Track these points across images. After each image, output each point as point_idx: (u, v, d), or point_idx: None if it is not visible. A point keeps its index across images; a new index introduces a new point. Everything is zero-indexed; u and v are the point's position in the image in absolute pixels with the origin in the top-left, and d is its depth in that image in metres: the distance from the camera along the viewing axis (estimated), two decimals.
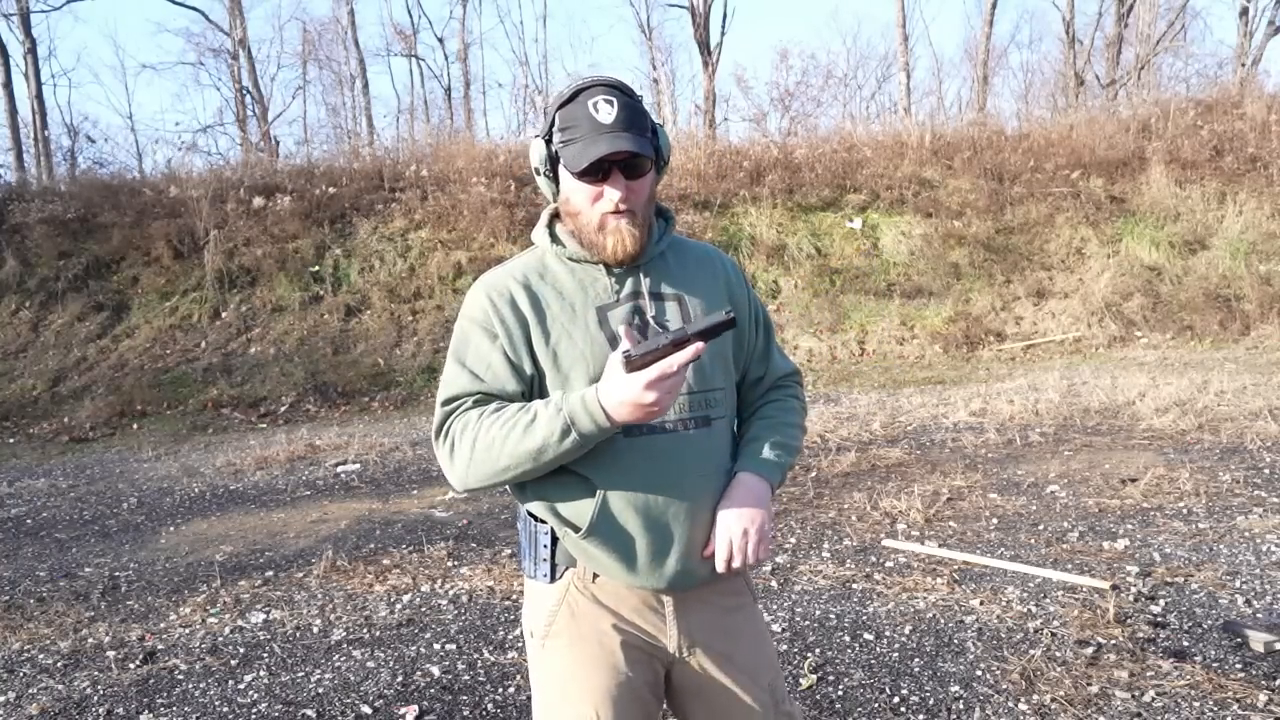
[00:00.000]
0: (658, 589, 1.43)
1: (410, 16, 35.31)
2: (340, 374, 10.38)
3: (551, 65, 43.55)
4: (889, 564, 4.07)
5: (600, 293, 1.44)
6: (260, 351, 10.83)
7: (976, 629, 3.31)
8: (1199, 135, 13.87)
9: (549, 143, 1.41)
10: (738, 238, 12.87)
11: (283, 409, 9.70)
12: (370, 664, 3.29)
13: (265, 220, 12.34)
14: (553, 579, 1.46)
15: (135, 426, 9.25)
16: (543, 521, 1.44)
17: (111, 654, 3.46)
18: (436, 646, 3.42)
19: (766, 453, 1.49)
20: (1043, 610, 3.44)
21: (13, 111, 19.12)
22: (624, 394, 1.23)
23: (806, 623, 3.45)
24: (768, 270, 12.59)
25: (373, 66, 51.12)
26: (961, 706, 2.76)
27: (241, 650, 3.48)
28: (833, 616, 3.50)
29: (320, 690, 3.10)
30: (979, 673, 2.96)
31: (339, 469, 6.88)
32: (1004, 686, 2.86)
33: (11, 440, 8.96)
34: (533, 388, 1.42)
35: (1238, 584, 3.61)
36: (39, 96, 19.95)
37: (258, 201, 12.49)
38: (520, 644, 3.38)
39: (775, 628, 3.42)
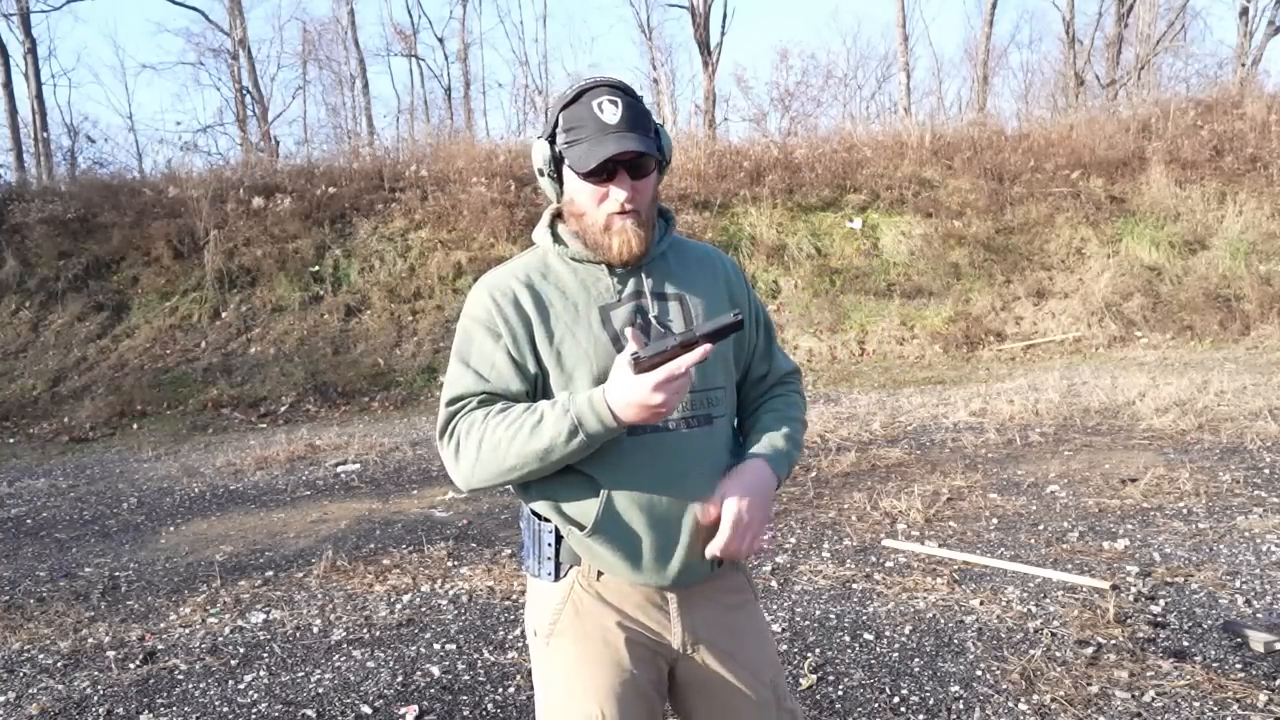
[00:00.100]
0: (662, 586, 1.44)
1: (410, 16, 35.35)
2: (340, 374, 10.38)
3: (551, 65, 43.59)
4: (889, 564, 4.07)
5: (603, 292, 1.44)
6: (260, 351, 10.83)
7: (976, 629, 3.31)
8: (1199, 135, 13.87)
9: (553, 143, 1.41)
10: (738, 238, 12.87)
11: (283, 409, 9.70)
12: (370, 664, 3.29)
13: (265, 220, 12.34)
14: (557, 577, 1.46)
15: (135, 426, 9.25)
16: (546, 520, 1.45)
17: (111, 654, 3.46)
18: (436, 646, 3.42)
19: (778, 443, 1.50)
20: (1043, 610, 3.44)
21: (13, 111, 19.14)
22: (632, 395, 1.23)
23: (806, 623, 3.45)
24: (768, 270, 12.59)
25: (373, 66, 51.15)
26: (961, 706, 2.76)
27: (241, 650, 3.48)
28: (833, 616, 3.50)
29: (320, 690, 3.10)
30: (979, 673, 2.96)
31: (339, 469, 6.88)
32: (1004, 686, 2.86)
33: (11, 440, 8.96)
34: (536, 387, 1.42)
35: (1238, 584, 3.61)
36: (39, 96, 19.96)
37: (258, 201, 12.49)
38: (520, 644, 3.39)
39: (775, 628, 3.42)
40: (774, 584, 3.88)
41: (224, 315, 11.37)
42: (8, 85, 19.24)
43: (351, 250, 12.29)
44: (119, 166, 22.30)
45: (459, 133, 17.45)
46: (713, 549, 1.39)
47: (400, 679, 3.15)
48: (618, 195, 1.38)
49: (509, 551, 4.55)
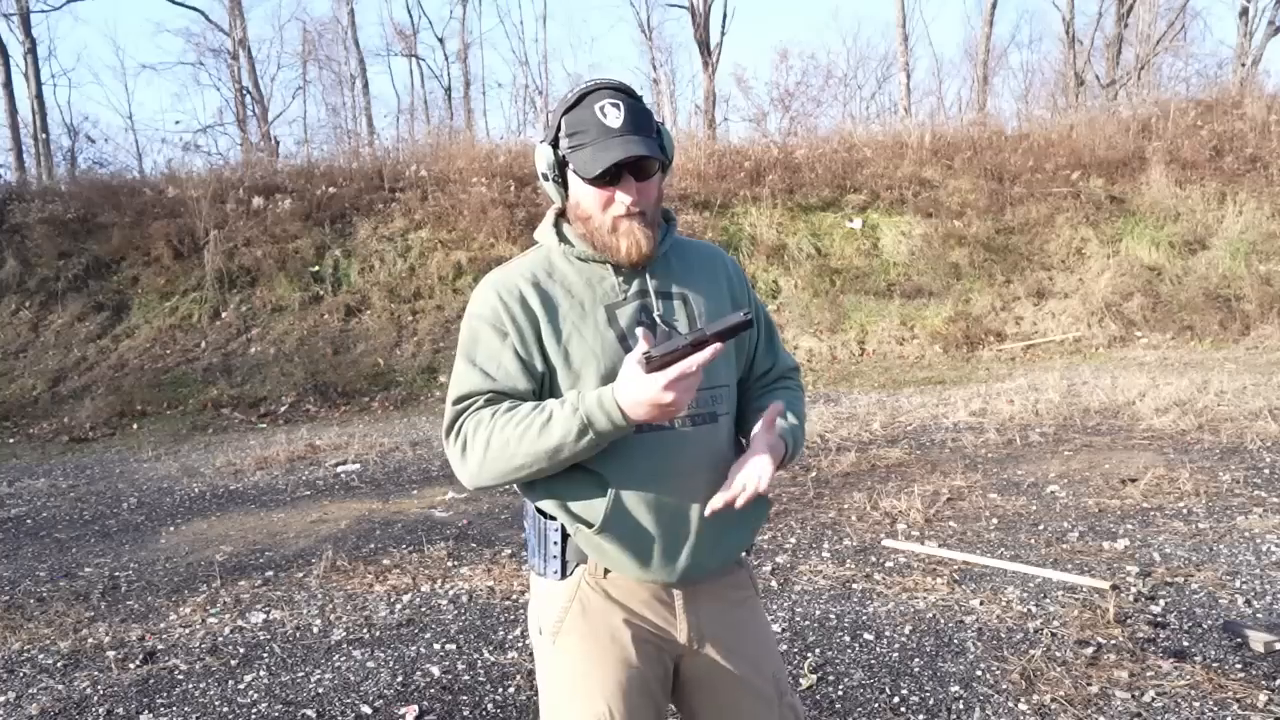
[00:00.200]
0: (668, 583, 1.45)
1: (410, 16, 35.40)
2: (340, 374, 10.38)
3: (551, 65, 43.63)
4: (889, 564, 4.07)
5: (608, 291, 1.45)
6: (260, 351, 10.83)
7: (976, 629, 3.31)
8: (1199, 135, 13.87)
9: (556, 147, 1.42)
10: (738, 238, 12.87)
11: (283, 409, 9.70)
12: (370, 664, 3.29)
13: (265, 220, 12.34)
14: (563, 576, 1.46)
15: (135, 426, 9.25)
16: (552, 518, 1.45)
17: (111, 654, 3.46)
18: (436, 646, 3.42)
19: (790, 419, 1.53)
20: (1043, 610, 3.44)
21: (13, 111, 19.14)
22: (643, 394, 1.24)
23: (806, 623, 3.45)
24: (768, 270, 12.59)
25: (373, 66, 51.22)
26: (961, 706, 2.76)
27: (241, 650, 3.48)
28: (833, 616, 3.50)
29: (320, 690, 3.10)
30: (979, 673, 2.96)
31: (339, 469, 6.88)
32: (1004, 686, 2.86)
33: (11, 440, 8.96)
34: (543, 386, 1.43)
35: (1238, 584, 3.61)
36: (39, 96, 19.95)
37: (258, 201, 12.49)
38: (520, 644, 3.39)
39: (775, 628, 3.42)
40: (774, 584, 3.88)
41: (224, 315, 11.37)
42: (8, 85, 19.24)
43: (351, 250, 12.29)
44: (119, 166, 22.28)
45: (459, 133, 17.45)
46: (715, 502, 1.39)
47: (400, 679, 3.15)
48: (623, 199, 1.38)
49: (509, 551, 4.55)
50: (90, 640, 3.63)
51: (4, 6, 20.27)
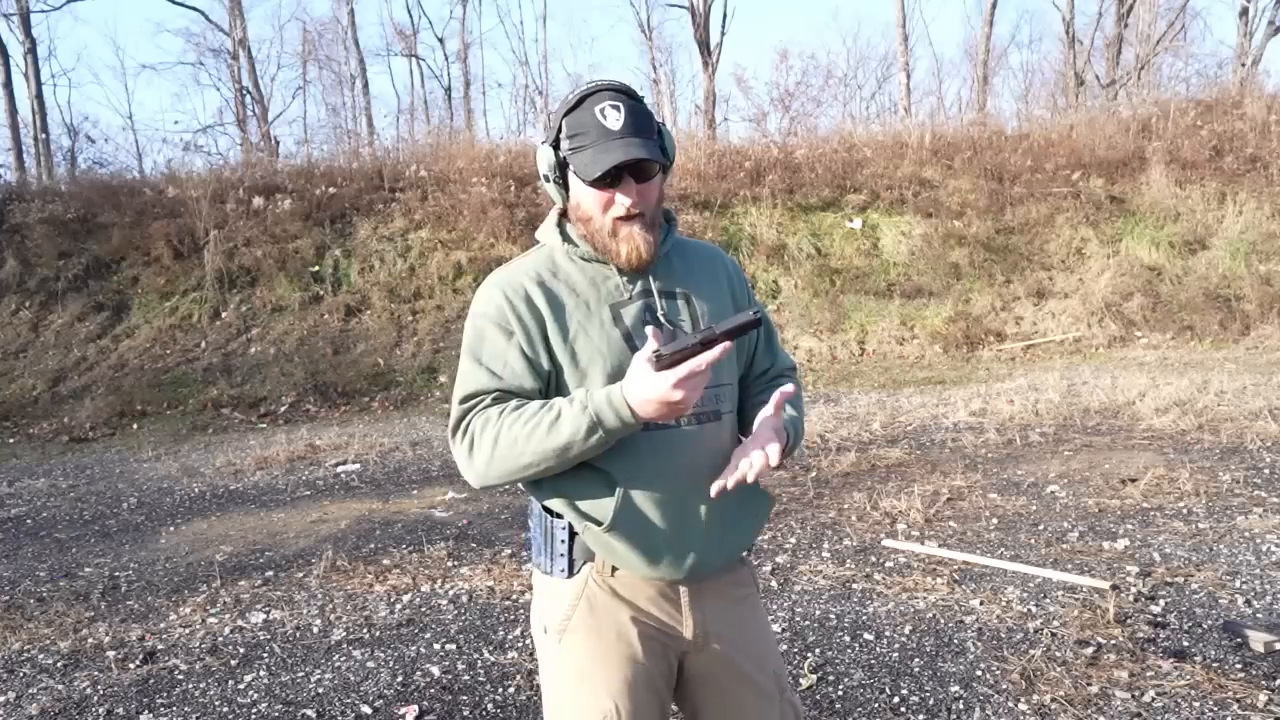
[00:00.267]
0: (676, 580, 1.46)
1: (410, 16, 35.39)
2: (340, 374, 10.38)
3: (551, 65, 43.67)
4: (889, 564, 4.07)
5: (612, 290, 1.46)
6: (260, 351, 10.83)
7: (976, 629, 3.31)
8: (1199, 135, 13.87)
9: (556, 149, 1.42)
10: (738, 238, 12.87)
11: (283, 409, 9.70)
12: (370, 664, 3.29)
13: (265, 220, 12.34)
14: (570, 574, 1.47)
15: (135, 426, 9.25)
16: (559, 517, 1.46)
17: (111, 654, 3.46)
18: (436, 646, 3.42)
19: (790, 410, 1.54)
20: (1043, 610, 3.44)
21: (13, 111, 19.14)
22: (652, 392, 1.25)
23: (806, 623, 3.45)
24: (768, 270, 12.59)
25: (373, 66, 51.21)
26: (961, 706, 2.76)
27: (241, 650, 3.48)
28: (833, 616, 3.50)
29: (320, 690, 3.10)
30: (979, 673, 2.96)
31: (339, 469, 6.88)
32: (1004, 686, 2.86)
33: (11, 440, 8.96)
34: (549, 384, 1.44)
35: (1238, 584, 3.61)
36: (39, 96, 19.96)
37: (258, 201, 12.49)
38: (520, 644, 3.39)
39: (775, 628, 3.42)
40: (774, 584, 3.88)
41: (224, 315, 11.37)
42: (8, 85, 19.24)
43: (351, 250, 12.29)
44: (119, 166, 22.28)
45: (459, 133, 17.45)
46: (717, 485, 1.39)
47: (400, 679, 3.15)
48: (623, 201, 1.39)
49: (509, 551, 4.55)
50: (90, 640, 3.63)
51: (4, 6, 20.30)
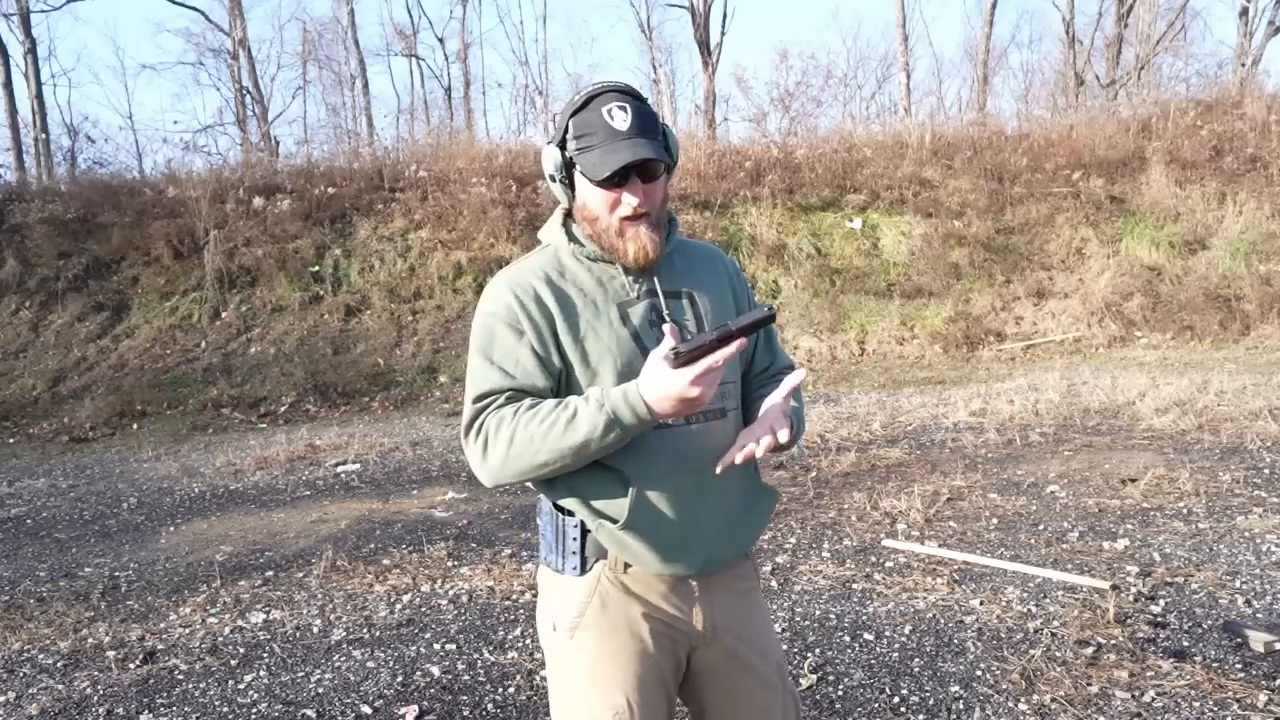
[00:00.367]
0: (688, 574, 1.48)
1: (410, 16, 35.39)
2: (340, 374, 10.38)
3: (551, 65, 43.69)
4: (889, 564, 4.07)
5: (619, 290, 1.47)
6: (260, 351, 10.83)
7: (976, 629, 3.31)
8: (1199, 135, 13.87)
9: (563, 149, 1.43)
10: (738, 238, 12.87)
11: (283, 409, 9.70)
12: (370, 664, 3.29)
13: (265, 220, 12.34)
14: (583, 571, 1.48)
15: (135, 426, 9.25)
16: (571, 515, 1.47)
17: (111, 654, 3.46)
18: (436, 646, 3.42)
19: (793, 401, 1.54)
20: (1043, 610, 3.44)
21: (13, 111, 19.14)
22: (671, 389, 1.26)
23: (806, 623, 3.45)
24: (768, 270, 12.59)
25: (373, 66, 51.23)
26: (961, 706, 2.76)
27: (241, 650, 3.48)
28: (833, 616, 3.50)
29: (320, 690, 3.10)
30: (979, 673, 2.96)
31: (339, 469, 6.88)
32: (1004, 686, 2.86)
33: (11, 440, 8.96)
34: (560, 383, 1.45)
35: (1238, 584, 3.61)
36: (39, 96, 19.96)
37: (258, 201, 12.49)
38: (520, 644, 3.39)
39: (775, 628, 3.41)
40: (774, 584, 3.88)
41: (224, 315, 11.37)
42: (8, 85, 19.24)
43: (351, 250, 12.29)
44: (119, 166, 22.26)
45: (459, 133, 17.45)
46: (725, 460, 1.40)
47: (400, 679, 3.15)
48: (630, 200, 1.40)
49: (509, 551, 4.55)
50: (90, 640, 3.63)
51: (4, 6, 20.31)
